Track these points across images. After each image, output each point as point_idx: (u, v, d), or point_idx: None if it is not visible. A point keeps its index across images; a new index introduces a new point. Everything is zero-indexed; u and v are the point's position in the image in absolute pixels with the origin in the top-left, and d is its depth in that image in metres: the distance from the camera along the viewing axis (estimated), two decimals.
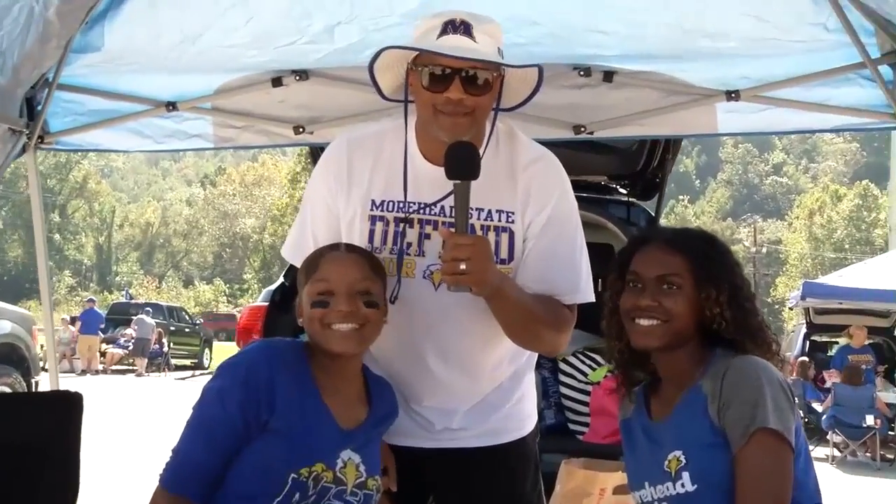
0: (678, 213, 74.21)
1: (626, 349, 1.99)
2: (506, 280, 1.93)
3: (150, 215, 66.76)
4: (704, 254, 1.91)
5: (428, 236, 2.02)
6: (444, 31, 1.93)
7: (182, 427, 1.80)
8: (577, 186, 2.23)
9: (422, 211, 2.02)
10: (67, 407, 2.32)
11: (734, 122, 3.54)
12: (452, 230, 1.87)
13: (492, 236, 2.02)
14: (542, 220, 2.04)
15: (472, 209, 1.97)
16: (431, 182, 2.00)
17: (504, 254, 2.03)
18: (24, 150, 3.30)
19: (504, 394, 2.15)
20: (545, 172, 2.08)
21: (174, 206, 69.27)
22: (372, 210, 2.05)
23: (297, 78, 3.32)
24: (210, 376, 1.85)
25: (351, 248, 1.95)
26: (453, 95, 1.91)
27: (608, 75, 3.26)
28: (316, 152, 4.47)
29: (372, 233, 2.04)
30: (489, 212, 2.03)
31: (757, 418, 1.72)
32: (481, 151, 1.98)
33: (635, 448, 1.99)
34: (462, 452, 2.10)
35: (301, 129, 3.76)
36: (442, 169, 1.90)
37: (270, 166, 63.25)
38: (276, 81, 3.37)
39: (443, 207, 2.02)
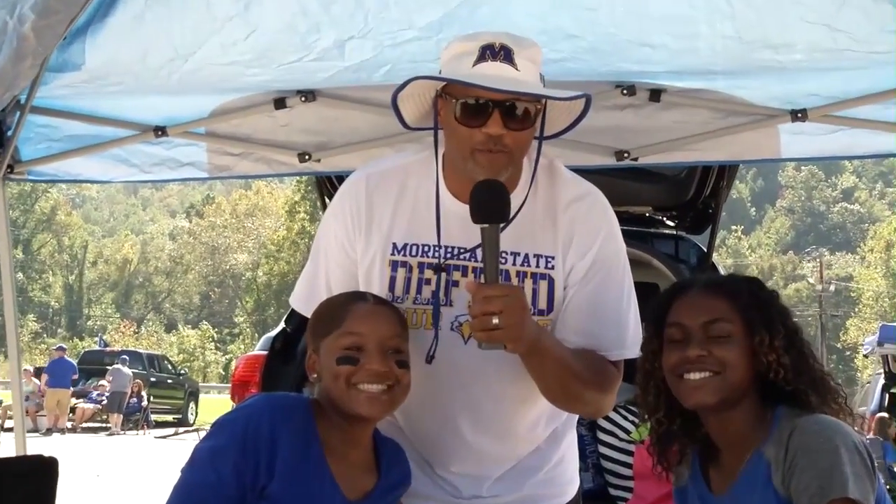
0: (730, 245, 74.08)
1: (665, 419, 2.00)
2: (543, 334, 1.93)
3: (127, 251, 67.32)
4: (752, 295, 1.93)
5: (456, 283, 2.03)
6: (482, 58, 1.92)
7: (167, 493, 1.79)
8: (619, 219, 2.24)
9: (452, 256, 2.03)
10: (41, 474, 2.35)
11: (800, 146, 3.56)
12: (480, 280, 1.87)
13: (529, 284, 2.03)
14: (586, 264, 2.04)
15: (506, 253, 1.98)
16: (462, 223, 1.99)
17: (543, 304, 2.04)
18: None
19: (541, 456, 2.15)
20: (589, 211, 2.08)
21: (155, 241, 69.86)
22: (393, 254, 2.06)
23: (303, 99, 3.37)
24: (195, 433, 1.84)
25: (378, 299, 1.97)
26: (493, 131, 1.90)
27: (655, 94, 3.29)
28: (322, 183, 4.52)
29: (393, 280, 2.05)
30: (526, 256, 2.04)
31: (833, 487, 1.70)
32: (525, 191, 1.99)
33: None
34: None
35: (307, 157, 3.79)
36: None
37: (266, 195, 63.70)
38: (280, 103, 3.41)
39: (474, 253, 2.02)
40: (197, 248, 61.74)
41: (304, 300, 2.16)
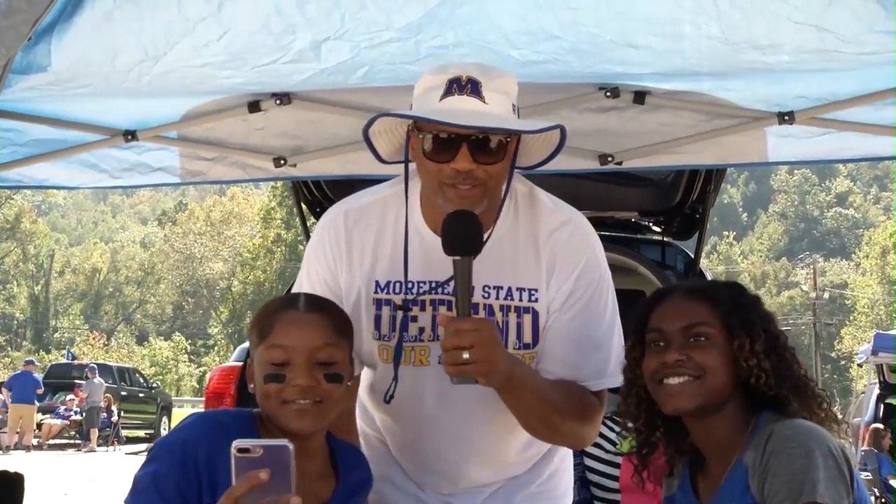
0: (721, 251, 74.40)
1: (645, 428, 2.02)
2: (518, 367, 1.95)
3: (96, 260, 66.88)
4: (732, 300, 1.96)
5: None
6: (448, 92, 1.95)
7: None
8: (603, 224, 2.26)
9: (434, 291, 2.06)
10: (6, 491, 2.34)
11: (788, 150, 3.59)
12: (452, 313, 1.90)
13: (513, 318, 2.06)
14: (565, 293, 2.07)
15: (489, 287, 2.02)
16: (443, 257, 2.00)
17: (528, 338, 2.08)
18: None
19: (533, 470, 2.20)
20: (569, 239, 2.11)
21: (126, 249, 69.45)
22: (377, 293, 2.10)
23: (278, 102, 3.38)
24: None
25: (312, 303, 1.96)
26: (461, 166, 1.92)
27: (639, 96, 3.30)
28: (298, 188, 4.52)
29: (378, 319, 2.08)
30: (509, 290, 2.07)
31: (804, 492, 1.72)
32: (497, 223, 2.02)
33: None
34: None
35: (282, 162, 3.80)
36: None
37: (241, 201, 63.56)
38: (254, 106, 3.42)
39: (442, 284, 2.05)
40: (169, 257, 61.48)
41: None
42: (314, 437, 1.91)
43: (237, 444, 1.60)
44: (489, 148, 1.93)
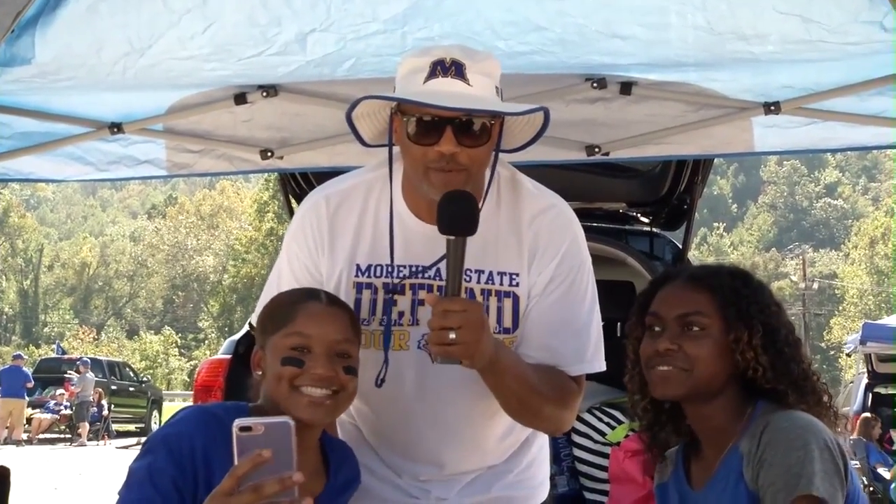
0: (712, 243, 74.57)
1: (651, 406, 2.02)
2: (502, 350, 1.95)
3: (86, 254, 66.60)
4: (733, 290, 1.94)
5: (422, 302, 2.05)
6: (432, 74, 1.94)
7: None
8: (591, 216, 2.25)
9: (414, 276, 2.06)
10: None
11: (774, 139, 3.60)
12: (439, 294, 1.90)
13: (493, 302, 2.06)
14: (545, 278, 2.07)
15: (470, 271, 2.01)
16: (424, 241, 2.04)
17: (508, 322, 2.07)
18: None
19: (511, 459, 2.20)
20: (552, 224, 2.11)
21: (116, 243, 69.16)
22: (357, 276, 2.09)
23: (265, 94, 3.37)
24: None
25: (332, 299, 1.97)
26: (445, 149, 1.92)
27: (626, 87, 3.31)
28: (286, 180, 4.51)
29: (358, 302, 2.07)
30: (490, 274, 2.06)
31: (800, 484, 1.73)
32: (480, 205, 2.00)
33: None
34: None
35: (269, 154, 3.80)
36: (434, 227, 1.93)
37: (231, 194, 63.40)
38: (240, 98, 3.41)
39: (438, 270, 2.04)
40: (160, 251, 61.23)
41: None
42: (314, 430, 1.91)
43: (238, 422, 1.59)
44: (473, 131, 1.93)
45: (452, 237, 1.85)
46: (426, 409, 2.08)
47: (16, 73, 3.06)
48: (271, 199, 53.28)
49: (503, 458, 2.18)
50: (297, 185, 4.53)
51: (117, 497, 1.77)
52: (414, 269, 2.06)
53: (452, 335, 1.78)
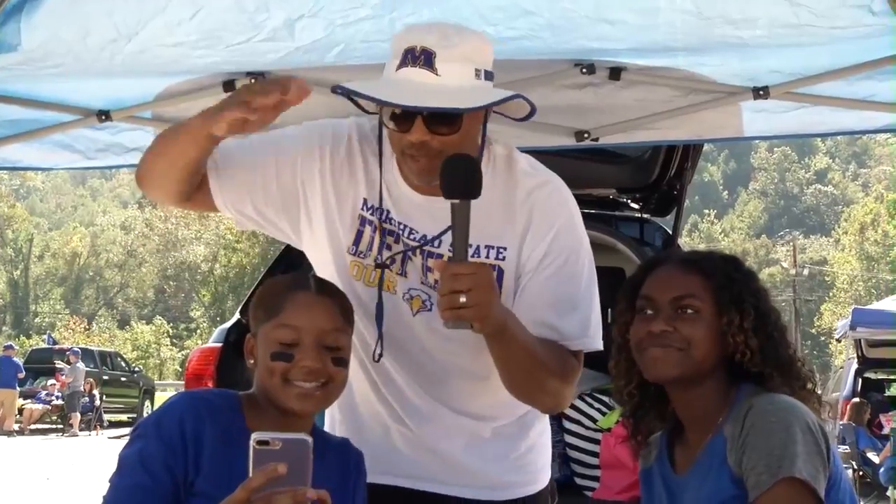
0: (703, 230, 74.72)
1: (637, 391, 2.02)
2: (510, 317, 1.95)
3: (76, 244, 66.35)
4: (726, 274, 1.95)
5: (410, 258, 2.09)
6: (403, 62, 1.95)
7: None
8: (581, 202, 2.26)
9: (405, 231, 2.10)
10: None
11: (763, 124, 3.59)
12: (446, 260, 1.92)
13: None
14: (540, 253, 2.07)
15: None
16: (414, 207, 2.10)
17: None
18: None
19: (509, 444, 2.19)
20: (547, 200, 2.11)
21: (106, 233, 68.91)
22: (363, 210, 2.12)
23: (253, 81, 3.35)
24: None
25: (322, 287, 1.96)
26: (415, 138, 1.95)
27: (615, 72, 3.30)
28: None
29: (360, 234, 2.12)
30: (477, 248, 2.06)
31: (782, 466, 1.74)
32: None
33: (653, 500, 2.03)
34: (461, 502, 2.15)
35: None
36: (426, 197, 1.97)
37: None
38: (229, 85, 3.39)
39: (425, 236, 2.08)
40: (151, 240, 61.02)
41: (222, 152, 2.13)
42: (307, 420, 1.91)
43: (256, 436, 1.60)
44: (445, 119, 1.94)
45: (457, 201, 1.85)
46: (403, 356, 2.10)
47: (2, 61, 3.03)
48: None
49: (491, 426, 2.17)
50: None
51: (109, 484, 1.78)
52: (405, 226, 2.10)
53: (463, 298, 1.78)
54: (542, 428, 2.28)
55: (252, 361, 1.91)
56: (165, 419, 1.81)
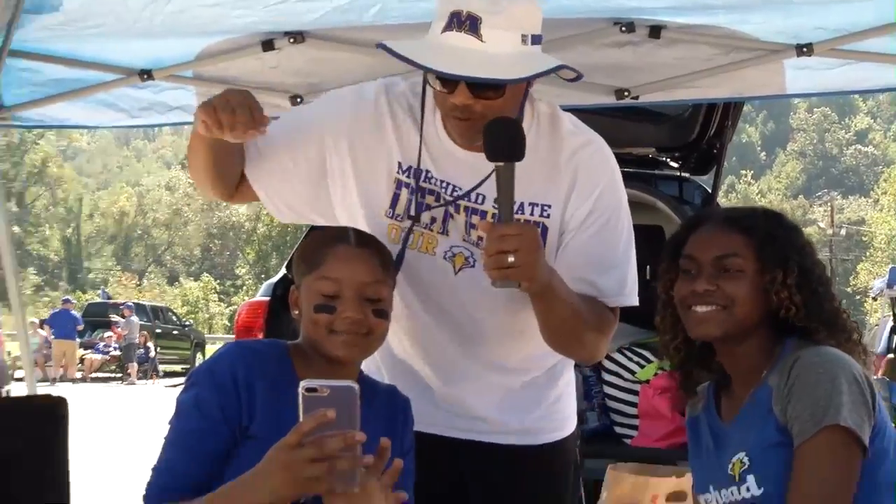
0: (740, 190, 74.03)
1: (683, 345, 2.02)
2: (555, 275, 1.96)
3: (123, 203, 67.23)
4: (768, 232, 1.93)
5: (452, 216, 2.08)
6: (448, 26, 1.91)
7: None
8: (621, 161, 2.25)
9: (446, 189, 2.08)
10: (51, 413, 2.36)
11: (806, 82, 3.53)
12: (492, 221, 1.93)
13: None
14: (584, 212, 2.07)
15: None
16: (455, 163, 2.07)
17: None
18: None
19: (539, 394, 2.22)
20: (591, 159, 2.10)
21: (152, 193, 69.65)
22: (398, 173, 2.10)
23: (292, 41, 3.33)
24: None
25: (362, 239, 1.95)
26: (458, 101, 1.93)
27: (655, 31, 3.24)
28: None
29: (396, 197, 2.10)
30: (521, 205, 2.05)
31: (827, 415, 1.74)
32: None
33: (701, 449, 2.04)
34: (496, 448, 2.18)
35: (299, 99, 3.78)
36: (470, 153, 1.97)
37: None
38: (268, 45, 3.37)
39: (469, 193, 2.07)
40: (195, 200, 61.71)
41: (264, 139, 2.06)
42: (352, 368, 1.93)
43: (304, 384, 1.62)
44: (489, 85, 1.91)
45: (501, 164, 1.84)
46: (444, 313, 2.11)
47: (45, 21, 3.06)
48: None
49: (525, 379, 2.20)
50: None
51: (169, 427, 1.82)
52: (446, 183, 2.08)
53: (511, 258, 1.79)
54: (569, 378, 2.31)
55: (297, 313, 1.93)
56: (218, 367, 1.84)
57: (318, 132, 2.13)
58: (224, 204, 59.17)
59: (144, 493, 1.79)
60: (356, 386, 1.63)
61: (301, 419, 1.60)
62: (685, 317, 1.95)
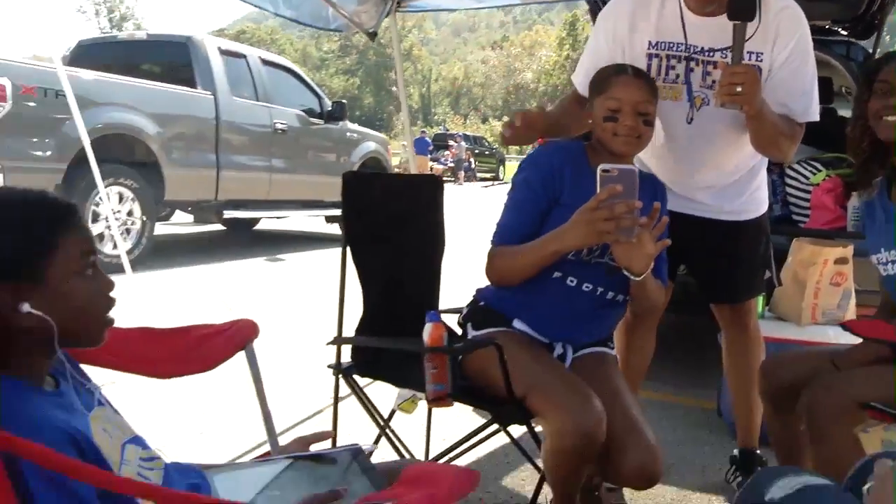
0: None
1: (868, 147, 1.82)
2: (764, 102, 1.85)
3: (456, 72, 68.01)
4: None
5: (692, 70, 1.91)
6: None
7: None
8: None
9: (682, 49, 1.95)
10: (434, 187, 2.27)
11: None
12: (727, 63, 1.82)
13: None
14: (785, 55, 1.92)
15: (724, 50, 1.89)
16: (695, 30, 1.91)
17: None
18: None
19: (744, 184, 2.13)
20: (790, 18, 1.93)
21: (473, 66, 69.62)
22: (649, 49, 1.99)
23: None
24: (504, 185, 1.85)
25: (637, 71, 1.78)
26: None
27: None
28: (594, 7, 4.15)
29: (649, 67, 1.93)
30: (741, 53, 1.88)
31: None
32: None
33: (875, 222, 1.83)
34: (715, 222, 2.10)
35: None
36: (703, 19, 1.81)
37: (542, 33, 61.15)
38: None
39: (700, 47, 1.89)
40: (499, 70, 61.12)
41: (585, 77, 1.95)
42: (628, 159, 1.78)
43: (602, 166, 1.51)
44: None
45: (738, 22, 1.69)
46: (687, 140, 1.95)
47: None
48: (567, 35, 51.16)
49: (736, 177, 2.09)
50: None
51: (507, 197, 1.76)
52: (682, 45, 1.90)
53: (739, 88, 1.67)
54: (763, 175, 2.19)
55: (590, 122, 1.86)
56: (540, 158, 1.76)
57: (609, 49, 1.98)
58: (519, 70, 58.76)
59: (491, 240, 1.72)
60: (636, 168, 1.53)
61: (598, 191, 1.51)
62: (877, 125, 1.73)
